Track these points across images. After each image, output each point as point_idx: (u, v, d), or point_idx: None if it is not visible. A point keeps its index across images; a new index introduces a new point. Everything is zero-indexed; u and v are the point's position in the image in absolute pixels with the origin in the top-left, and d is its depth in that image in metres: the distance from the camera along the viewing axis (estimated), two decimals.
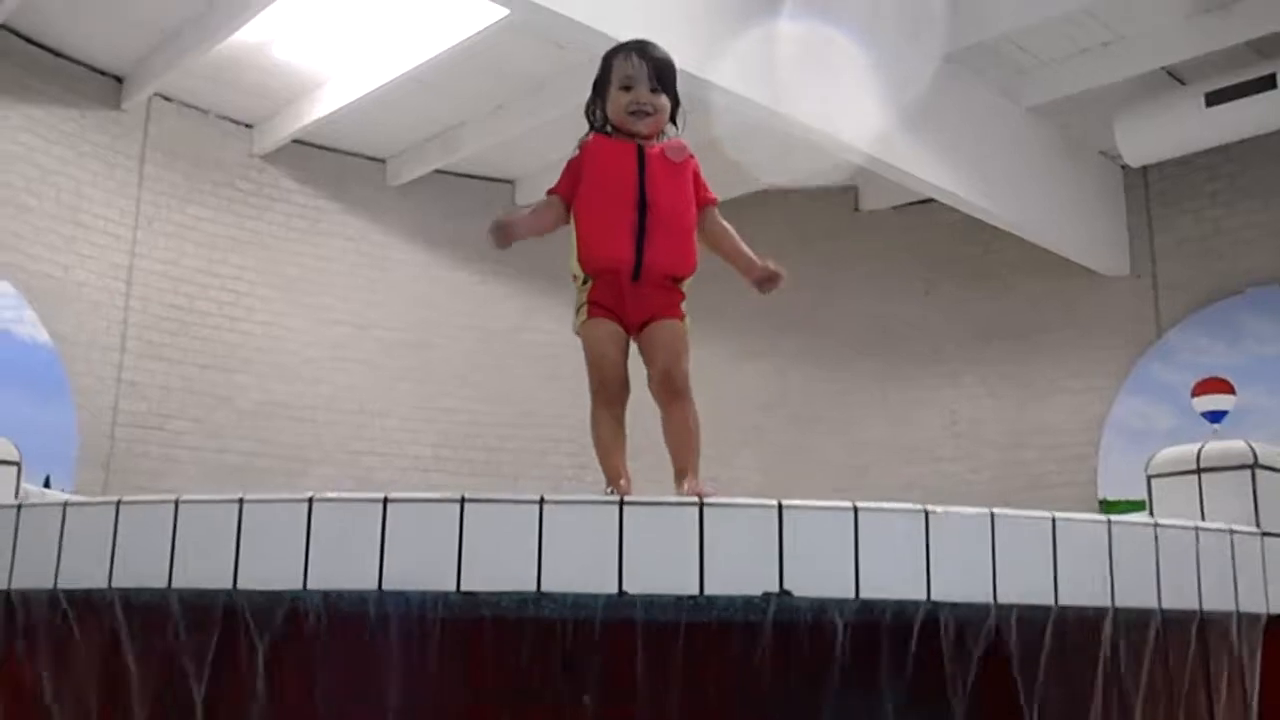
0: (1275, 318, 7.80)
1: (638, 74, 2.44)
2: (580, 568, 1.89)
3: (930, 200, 8.15)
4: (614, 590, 1.88)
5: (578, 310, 2.40)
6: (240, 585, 1.95)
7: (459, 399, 9.17)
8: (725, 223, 2.53)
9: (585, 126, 8.11)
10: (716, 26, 6.11)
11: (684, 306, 2.41)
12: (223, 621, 1.96)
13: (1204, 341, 8.08)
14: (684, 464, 2.28)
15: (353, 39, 7.27)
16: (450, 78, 7.64)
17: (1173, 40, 6.86)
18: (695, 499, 1.96)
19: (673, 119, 2.53)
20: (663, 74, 2.47)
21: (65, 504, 2.13)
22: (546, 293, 9.56)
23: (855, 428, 9.26)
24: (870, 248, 9.42)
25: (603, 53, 5.78)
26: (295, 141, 8.55)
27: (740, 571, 1.91)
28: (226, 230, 8.44)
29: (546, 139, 8.61)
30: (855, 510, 1.95)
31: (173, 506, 2.03)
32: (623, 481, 2.29)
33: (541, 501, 1.92)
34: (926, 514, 1.98)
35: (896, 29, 6.87)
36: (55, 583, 2.06)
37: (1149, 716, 2.12)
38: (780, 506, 1.94)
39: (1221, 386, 7.95)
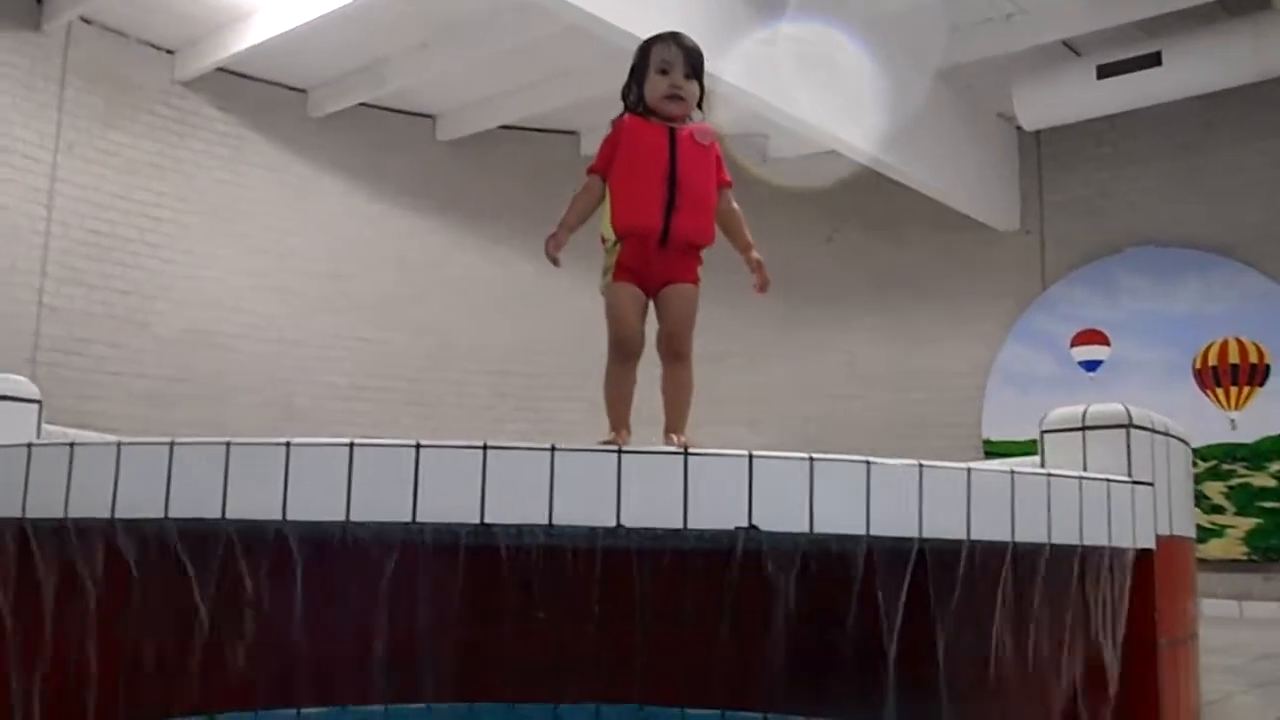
0: (1150, 275, 8.47)
1: (674, 60, 2.68)
2: (584, 504, 2.25)
3: (833, 151, 8.52)
4: (612, 523, 2.24)
5: (605, 271, 2.68)
6: (289, 517, 2.26)
7: (378, 329, 9.37)
8: (735, 205, 2.83)
9: (510, 66, 8.27)
10: None
11: (700, 271, 2.70)
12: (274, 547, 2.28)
13: (1084, 295, 8.73)
14: (675, 417, 2.59)
15: None
16: (378, 13, 7.74)
17: (1070, 16, 7.33)
18: (681, 449, 2.32)
19: (699, 104, 2.77)
20: (695, 62, 2.71)
21: (119, 444, 2.40)
22: (467, 227, 9.79)
23: (760, 365, 9.73)
24: (777, 194, 9.77)
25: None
26: (218, 70, 8.55)
27: (717, 509, 2.29)
28: (147, 156, 8.45)
29: (470, 77, 8.81)
30: (811, 460, 2.34)
31: (224, 448, 2.31)
32: (624, 432, 2.60)
33: (553, 449, 2.25)
34: (868, 464, 2.36)
35: None
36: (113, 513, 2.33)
37: (1039, 632, 2.58)
38: (750, 456, 2.32)
39: (1098, 338, 8.60)
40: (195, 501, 2.31)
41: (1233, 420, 7.87)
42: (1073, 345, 8.72)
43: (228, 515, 2.29)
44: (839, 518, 2.35)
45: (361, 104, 9.21)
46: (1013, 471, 2.57)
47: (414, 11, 7.81)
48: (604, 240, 2.70)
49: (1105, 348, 8.58)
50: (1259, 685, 4.18)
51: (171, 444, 2.37)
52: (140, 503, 2.36)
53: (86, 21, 8.04)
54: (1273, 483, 7.83)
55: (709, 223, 2.68)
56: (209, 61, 8.36)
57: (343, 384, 9.21)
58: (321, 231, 9.26)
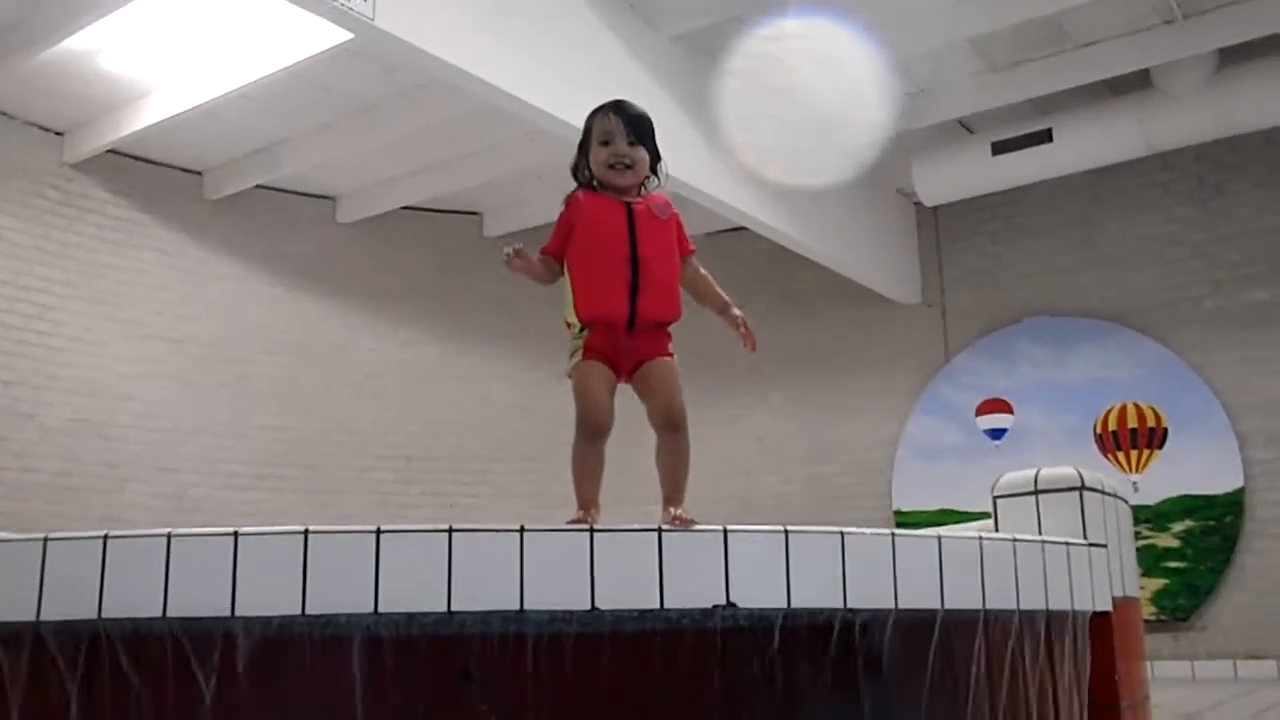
0: (1048, 344, 8.70)
1: (615, 129, 2.63)
2: (557, 587, 2.14)
3: (742, 229, 8.62)
4: (587, 606, 2.14)
5: (572, 354, 2.58)
6: (238, 612, 2.10)
7: (277, 416, 9.09)
8: (703, 270, 2.77)
9: (413, 147, 8.17)
10: (550, 54, 6.33)
11: (670, 346, 2.63)
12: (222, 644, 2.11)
13: (986, 365, 8.92)
14: (672, 490, 2.52)
15: (184, 52, 7.15)
16: (278, 94, 7.62)
17: (965, 95, 7.58)
18: (654, 526, 2.24)
19: (654, 170, 2.71)
20: (639, 128, 2.66)
21: (45, 539, 2.23)
22: (369, 310, 9.61)
23: None
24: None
25: (435, 77, 6.00)
26: (109, 151, 8.30)
27: (693, 587, 2.20)
28: (34, 241, 8.11)
29: (371, 158, 8.71)
30: (786, 532, 2.28)
31: (165, 539, 2.16)
32: (593, 511, 2.51)
33: (522, 530, 2.15)
34: (842, 534, 2.31)
35: (715, 67, 7.34)
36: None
37: (1010, 692, 2.54)
38: (725, 531, 2.25)
39: (1001, 407, 8.78)
40: (133, 601, 2.15)
41: (1135, 483, 8.06)
42: (977, 414, 8.88)
43: (169, 614, 2.14)
44: (815, 590, 2.29)
45: (259, 186, 9.02)
46: (980, 538, 2.55)
47: (314, 92, 7.71)
48: (569, 325, 2.61)
49: (1009, 416, 8.76)
50: None
51: (105, 537, 2.21)
52: (72, 604, 2.18)
53: None
54: (1176, 543, 8.04)
55: (675, 300, 2.63)
56: (100, 143, 8.11)
57: (241, 473, 8.88)
58: (218, 316, 8.98)
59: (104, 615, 2.15)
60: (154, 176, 8.77)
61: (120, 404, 8.40)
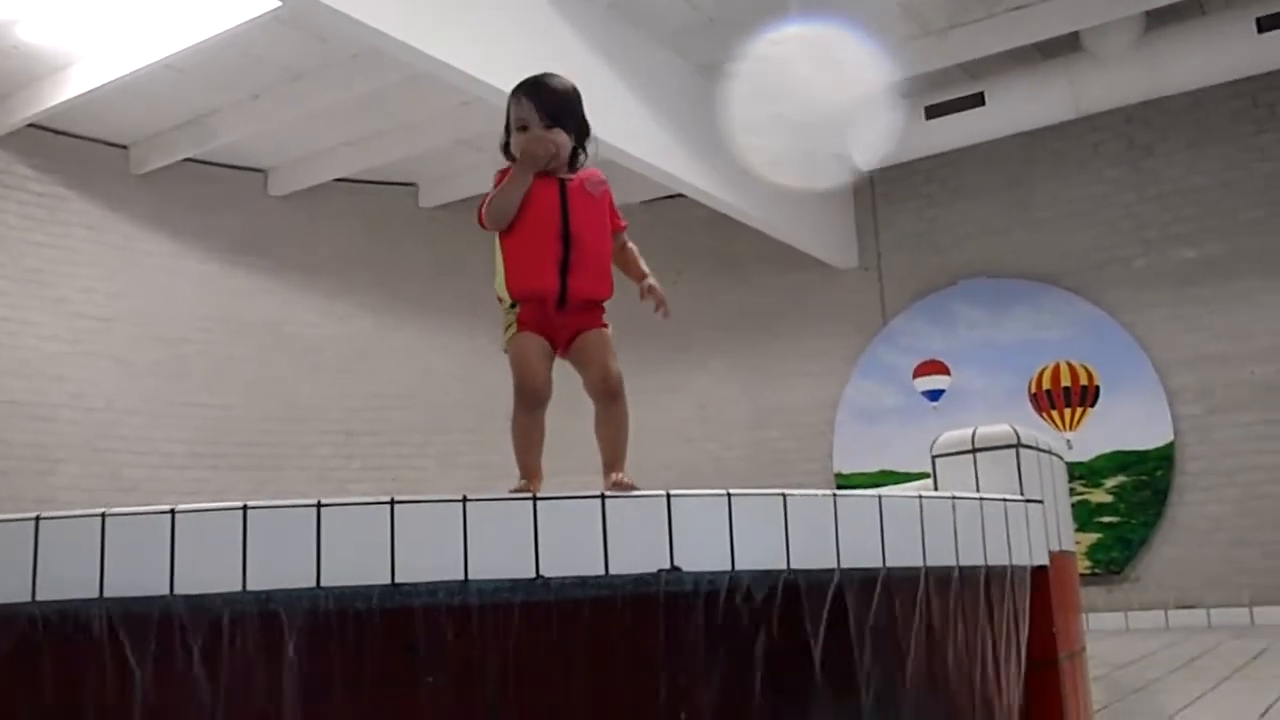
0: (983, 305, 8.82)
1: (528, 115, 2.56)
2: (502, 556, 2.14)
3: (679, 195, 8.61)
4: (532, 574, 2.14)
5: (506, 328, 2.55)
6: (177, 591, 2.07)
7: (214, 393, 8.96)
8: (632, 245, 2.75)
9: (345, 117, 8.06)
10: (480, 20, 6.25)
11: (605, 318, 2.61)
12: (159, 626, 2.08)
13: (923, 328, 9.02)
14: (613, 457, 2.50)
15: (106, 22, 6.97)
16: (205, 64, 7.47)
17: (898, 60, 7.60)
18: (597, 493, 2.24)
19: (583, 145, 2.64)
20: (554, 110, 2.58)
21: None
22: (304, 284, 9.49)
23: None
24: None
25: (365, 45, 5.91)
26: (30, 126, 8.08)
27: (638, 552, 2.21)
28: None
29: (303, 129, 8.56)
30: (729, 495, 2.29)
31: (100, 519, 2.12)
32: (536, 479, 2.50)
33: (464, 500, 2.14)
34: (784, 496, 2.33)
35: (661, 41, 7.31)
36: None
37: (952, 650, 2.58)
38: (669, 496, 2.26)
39: (939, 368, 8.89)
40: (69, 583, 2.11)
41: (1069, 441, 8.22)
42: (915, 376, 8.99)
43: (106, 594, 2.10)
44: (759, 552, 2.31)
45: (188, 159, 8.85)
46: (920, 496, 2.58)
47: (242, 62, 7.56)
48: (501, 300, 2.59)
49: (946, 377, 8.87)
50: (1132, 692, 4.32)
51: (37, 519, 2.17)
52: (3, 589, 2.14)
53: None
54: (1109, 498, 8.21)
55: (606, 277, 2.60)
56: (20, 117, 7.89)
57: (178, 452, 8.74)
58: (149, 293, 8.81)
59: (38, 599, 2.11)
60: (78, 151, 8.56)
61: (51, 384, 8.23)
